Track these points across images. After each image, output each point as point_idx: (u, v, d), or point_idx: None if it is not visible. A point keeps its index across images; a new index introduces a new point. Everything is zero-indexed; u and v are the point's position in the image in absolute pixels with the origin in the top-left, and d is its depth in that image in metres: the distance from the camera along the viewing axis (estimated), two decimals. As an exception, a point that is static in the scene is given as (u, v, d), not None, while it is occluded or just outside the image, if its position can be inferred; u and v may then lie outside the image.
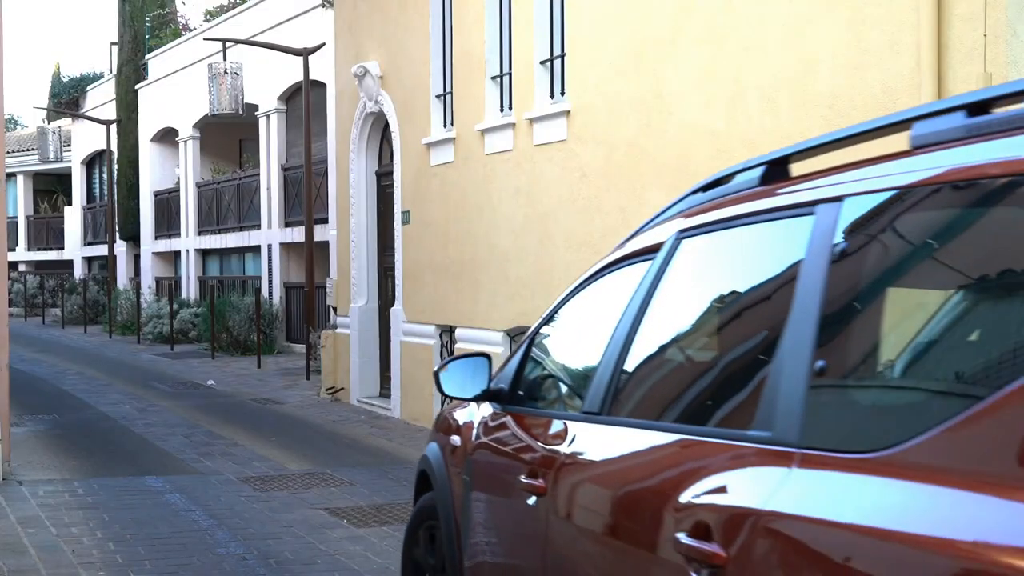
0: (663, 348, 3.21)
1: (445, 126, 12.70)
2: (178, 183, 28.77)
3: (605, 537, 3.03)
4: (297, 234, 21.96)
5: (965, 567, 1.71)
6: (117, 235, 31.33)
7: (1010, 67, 6.04)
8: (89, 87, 35.89)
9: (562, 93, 10.43)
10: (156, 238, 30.18)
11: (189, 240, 27.73)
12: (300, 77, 18.49)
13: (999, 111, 2.17)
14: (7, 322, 9.54)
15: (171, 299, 24.06)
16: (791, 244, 2.57)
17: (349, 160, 15.36)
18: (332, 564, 6.81)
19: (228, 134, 28.00)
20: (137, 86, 30.40)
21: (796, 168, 2.95)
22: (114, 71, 32.43)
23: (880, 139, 2.63)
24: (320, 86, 19.48)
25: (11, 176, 39.41)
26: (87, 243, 36.79)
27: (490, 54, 11.54)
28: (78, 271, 36.95)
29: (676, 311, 3.18)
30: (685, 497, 2.50)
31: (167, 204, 29.51)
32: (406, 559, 4.98)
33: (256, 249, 24.78)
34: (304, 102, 17.25)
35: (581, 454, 3.31)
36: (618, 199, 9.33)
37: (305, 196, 17.36)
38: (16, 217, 40.12)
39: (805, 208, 2.55)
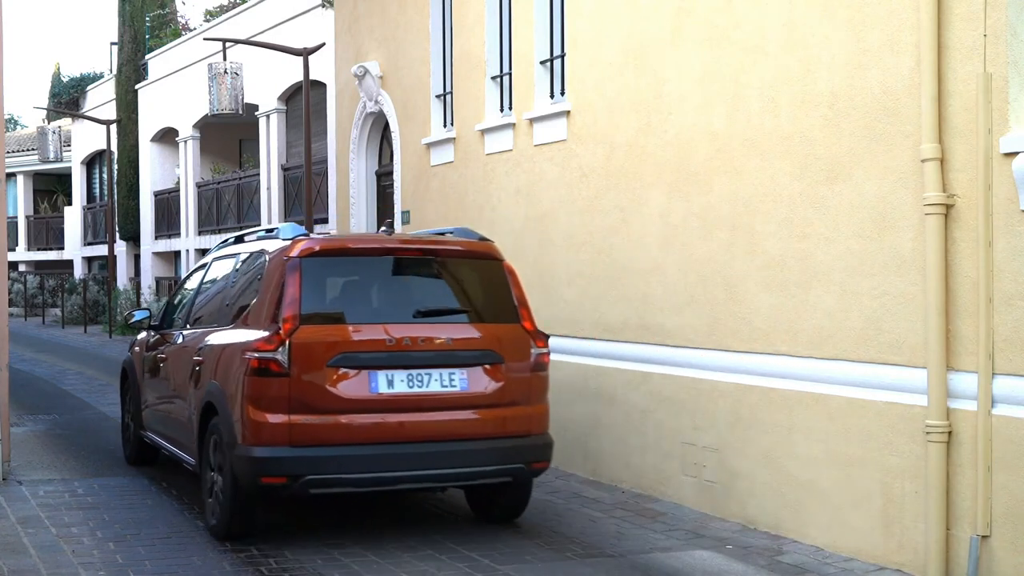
0: (204, 300, 8.77)
1: (445, 126, 12.71)
2: (178, 183, 28.76)
3: (181, 367, 8.42)
4: (297, 234, 21.90)
5: (229, 350, 7.50)
6: (117, 235, 31.32)
7: (1010, 67, 6.04)
8: (89, 87, 35.89)
9: (562, 93, 10.43)
10: (156, 238, 30.17)
11: (189, 240, 27.72)
12: (300, 77, 18.49)
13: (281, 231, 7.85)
14: (7, 322, 9.55)
15: (171, 299, 24.02)
16: (236, 264, 8.35)
17: (349, 160, 15.37)
18: (331, 561, 6.82)
19: (228, 134, 27.99)
20: (137, 86, 30.40)
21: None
22: (114, 71, 32.42)
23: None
24: (320, 86, 19.47)
25: (11, 176, 39.42)
26: (87, 243, 36.77)
27: (490, 54, 11.55)
28: (78, 271, 36.94)
29: (209, 287, 8.81)
30: (200, 345, 8.05)
31: (167, 204, 29.51)
32: (122, 410, 10.60)
33: (256, 249, 24.74)
34: (304, 102, 17.24)
35: (179, 341, 8.75)
36: (618, 199, 9.33)
37: (305, 196, 17.35)
38: (16, 217, 40.13)
39: (234, 255, 8.47)
